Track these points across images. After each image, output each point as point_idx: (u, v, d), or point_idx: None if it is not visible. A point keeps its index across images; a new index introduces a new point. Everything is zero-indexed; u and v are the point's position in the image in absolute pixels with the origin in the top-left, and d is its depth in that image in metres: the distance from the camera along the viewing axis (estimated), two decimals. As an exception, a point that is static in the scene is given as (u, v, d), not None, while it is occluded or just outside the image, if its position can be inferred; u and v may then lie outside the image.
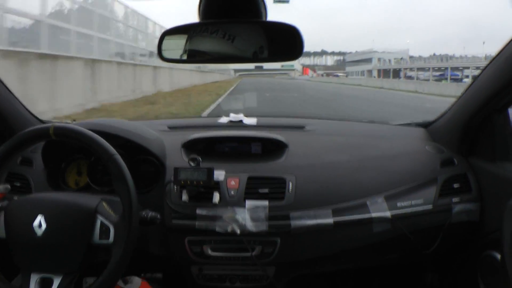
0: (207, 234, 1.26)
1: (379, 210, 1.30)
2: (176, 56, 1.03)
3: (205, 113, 10.00)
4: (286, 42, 0.94)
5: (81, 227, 1.00)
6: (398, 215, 1.31)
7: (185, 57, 1.01)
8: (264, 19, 0.91)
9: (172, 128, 1.66)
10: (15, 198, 1.10)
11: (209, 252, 1.29)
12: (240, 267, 1.35)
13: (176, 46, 1.01)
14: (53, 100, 7.92)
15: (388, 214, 1.30)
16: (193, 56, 1.01)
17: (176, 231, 1.30)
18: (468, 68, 37.88)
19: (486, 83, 1.32)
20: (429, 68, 45.26)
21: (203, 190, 1.28)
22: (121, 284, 1.27)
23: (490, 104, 1.32)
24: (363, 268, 1.60)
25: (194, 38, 0.96)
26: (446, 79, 40.18)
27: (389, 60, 62.92)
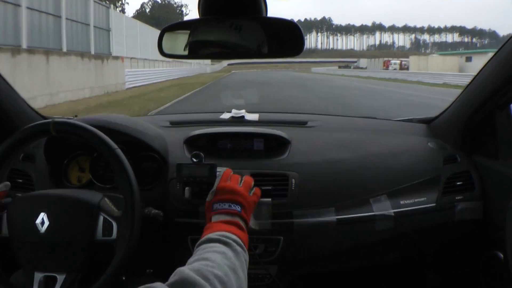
0: None
1: (382, 208, 1.29)
2: (177, 51, 1.03)
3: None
4: (286, 38, 0.94)
5: (84, 224, 1.00)
6: (401, 213, 1.30)
7: (186, 52, 1.01)
8: (264, 15, 0.90)
9: (174, 124, 1.65)
10: (18, 195, 1.10)
11: None
12: None
13: (176, 42, 1.01)
14: None
15: (391, 212, 1.29)
16: (195, 51, 1.01)
17: (178, 229, 1.29)
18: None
19: (487, 79, 1.30)
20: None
21: (206, 187, 1.27)
22: None
23: (492, 101, 1.30)
24: (365, 267, 1.59)
25: (200, 29, 0.96)
26: None
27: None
